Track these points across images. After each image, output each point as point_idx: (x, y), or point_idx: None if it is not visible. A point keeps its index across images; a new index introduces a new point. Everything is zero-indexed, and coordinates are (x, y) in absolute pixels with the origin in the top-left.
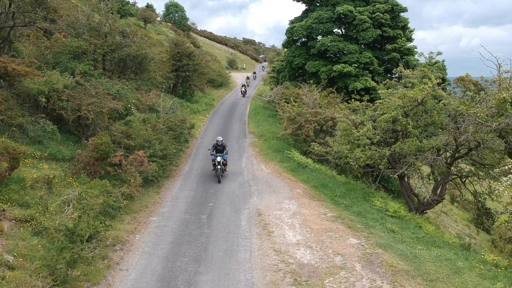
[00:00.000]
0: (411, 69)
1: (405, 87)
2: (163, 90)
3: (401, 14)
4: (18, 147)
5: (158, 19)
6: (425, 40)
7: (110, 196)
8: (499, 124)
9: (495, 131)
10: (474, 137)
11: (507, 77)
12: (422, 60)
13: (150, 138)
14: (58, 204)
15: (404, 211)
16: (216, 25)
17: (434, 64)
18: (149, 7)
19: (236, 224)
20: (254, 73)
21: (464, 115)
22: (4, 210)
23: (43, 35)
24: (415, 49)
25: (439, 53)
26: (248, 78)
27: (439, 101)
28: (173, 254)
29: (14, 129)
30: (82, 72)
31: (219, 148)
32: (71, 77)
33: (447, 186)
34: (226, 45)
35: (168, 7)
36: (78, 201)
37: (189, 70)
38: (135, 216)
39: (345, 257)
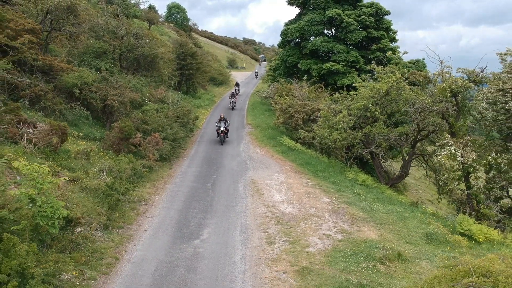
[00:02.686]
0: (381, 66)
1: (376, 80)
2: (171, 86)
3: (385, 17)
4: (66, 125)
5: (161, 20)
6: (424, 39)
7: (135, 166)
8: (441, 107)
9: (438, 114)
10: (423, 119)
11: (448, 71)
12: (406, 58)
13: (163, 124)
14: (95, 171)
15: (371, 181)
16: (216, 24)
17: (415, 62)
18: (151, 8)
19: (235, 189)
20: (256, 72)
21: (416, 101)
22: (58, 172)
23: (66, 37)
24: (398, 49)
25: (405, 53)
26: (237, 85)
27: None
28: (185, 208)
29: (57, 113)
30: (105, 69)
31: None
32: (97, 72)
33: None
34: (226, 45)
35: (170, 8)
36: (109, 169)
37: (192, 68)
38: (153, 183)
39: (318, 209)
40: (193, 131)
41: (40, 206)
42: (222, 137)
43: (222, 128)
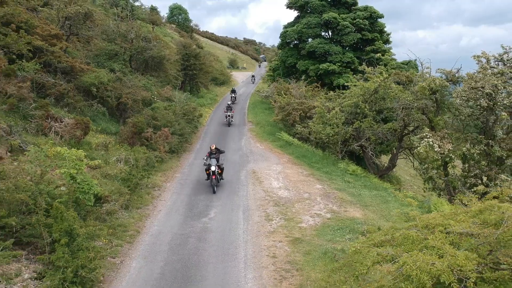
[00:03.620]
0: (371, 67)
1: (367, 80)
2: (176, 86)
3: (379, 20)
4: (89, 120)
5: (163, 21)
6: (425, 39)
7: (149, 156)
8: (421, 104)
9: (418, 110)
10: (407, 114)
11: (427, 72)
12: (401, 58)
13: (171, 120)
14: (113, 160)
15: (360, 171)
16: (216, 24)
17: (407, 63)
18: (153, 9)
19: (237, 178)
20: (253, 76)
21: (399, 99)
22: (82, 160)
23: (79, 40)
24: (391, 50)
25: (392, 54)
26: (233, 92)
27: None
28: (194, 193)
29: (78, 110)
30: (119, 69)
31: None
32: (111, 73)
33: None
34: (227, 45)
35: (172, 9)
36: (126, 159)
37: (195, 69)
38: (164, 173)
39: (311, 194)
40: (197, 128)
41: (79, 183)
42: (214, 182)
43: (213, 168)
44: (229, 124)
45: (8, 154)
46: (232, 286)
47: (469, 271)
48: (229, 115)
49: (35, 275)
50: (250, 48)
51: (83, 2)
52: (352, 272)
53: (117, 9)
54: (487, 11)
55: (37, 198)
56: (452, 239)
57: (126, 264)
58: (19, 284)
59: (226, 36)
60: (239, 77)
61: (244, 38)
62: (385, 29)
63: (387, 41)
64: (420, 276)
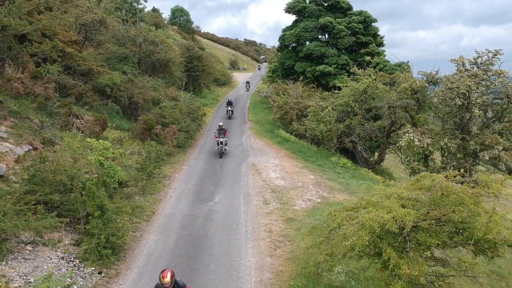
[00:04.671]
0: (362, 69)
1: (357, 81)
2: (181, 87)
3: (372, 24)
4: (107, 117)
5: (165, 22)
6: (425, 40)
7: (160, 149)
8: (403, 103)
9: (401, 108)
10: (393, 113)
11: (409, 73)
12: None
13: (178, 118)
14: (128, 153)
15: (350, 164)
16: (216, 25)
17: (400, 65)
18: (155, 11)
19: (238, 170)
20: (247, 83)
21: (384, 98)
22: (108, 149)
23: (91, 45)
24: (384, 52)
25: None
26: (229, 104)
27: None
28: (200, 182)
29: (95, 108)
30: (130, 71)
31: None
32: (123, 75)
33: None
34: (228, 46)
35: (174, 11)
36: (139, 152)
37: (198, 70)
38: (172, 165)
39: (304, 183)
40: (201, 126)
41: (106, 168)
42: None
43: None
44: (220, 157)
45: (41, 145)
46: (235, 253)
47: (408, 221)
48: (220, 144)
49: (73, 242)
50: (250, 49)
51: (94, 8)
52: (327, 229)
53: (121, 12)
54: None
55: (74, 180)
56: (402, 203)
57: (145, 237)
58: (61, 248)
59: (227, 37)
60: (240, 77)
61: (244, 39)
62: (379, 32)
63: (380, 44)
64: (372, 224)
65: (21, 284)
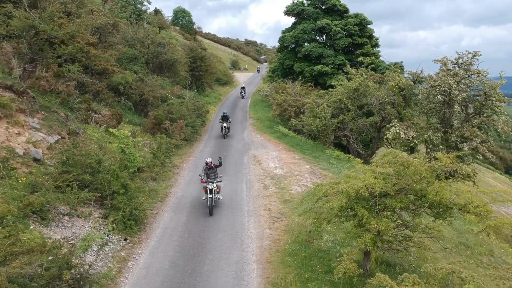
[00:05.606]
0: (355, 69)
1: (350, 80)
2: (186, 86)
3: (368, 26)
4: (122, 112)
5: (168, 23)
6: (425, 40)
7: (169, 142)
8: (390, 99)
9: (389, 104)
10: (383, 109)
11: (396, 73)
12: (387, 61)
13: (184, 114)
14: (141, 145)
15: (343, 156)
16: (217, 25)
17: (394, 64)
18: (157, 12)
19: (241, 161)
20: (243, 88)
21: (373, 95)
22: (128, 137)
23: (103, 46)
24: (379, 53)
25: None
26: (225, 119)
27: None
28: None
29: (110, 104)
30: (140, 71)
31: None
32: (134, 74)
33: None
34: (229, 46)
35: (176, 12)
36: (150, 144)
37: (201, 70)
38: (180, 157)
39: (300, 172)
40: (205, 122)
41: (127, 155)
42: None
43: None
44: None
45: (67, 135)
46: (239, 226)
47: (377, 188)
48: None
49: (101, 216)
50: (251, 50)
51: (107, 12)
52: (314, 198)
53: (126, 13)
54: (488, 11)
55: (100, 163)
56: (375, 176)
57: (161, 214)
58: (92, 220)
59: (228, 38)
60: (241, 77)
61: (245, 39)
62: (374, 34)
63: (375, 45)
64: (348, 191)
65: (64, 244)
